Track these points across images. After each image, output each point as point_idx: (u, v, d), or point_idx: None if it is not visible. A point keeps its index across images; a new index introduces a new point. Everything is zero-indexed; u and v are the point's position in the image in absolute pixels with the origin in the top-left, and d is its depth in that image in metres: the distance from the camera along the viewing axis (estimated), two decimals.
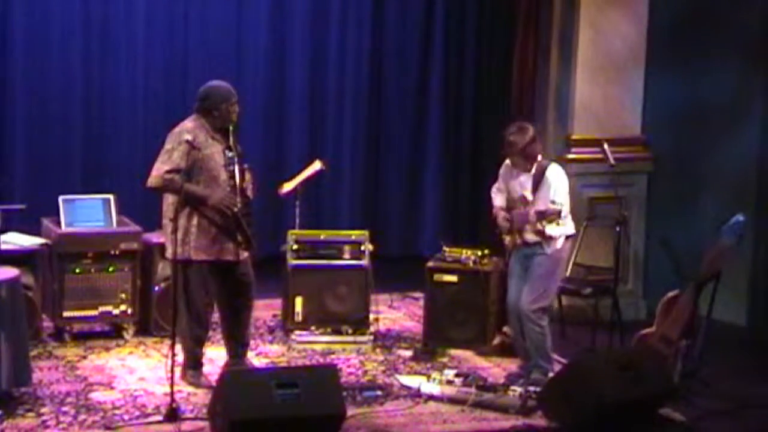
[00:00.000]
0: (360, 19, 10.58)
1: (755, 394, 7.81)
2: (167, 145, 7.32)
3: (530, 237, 7.54)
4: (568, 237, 7.63)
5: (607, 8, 9.36)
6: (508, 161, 7.71)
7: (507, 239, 7.68)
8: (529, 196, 7.52)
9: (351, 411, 6.95)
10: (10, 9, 9.49)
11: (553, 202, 7.42)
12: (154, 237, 8.37)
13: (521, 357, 7.83)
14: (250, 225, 7.40)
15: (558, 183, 7.51)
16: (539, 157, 7.59)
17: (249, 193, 7.48)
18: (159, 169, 7.26)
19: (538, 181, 7.53)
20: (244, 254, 7.48)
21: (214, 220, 7.31)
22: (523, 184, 7.60)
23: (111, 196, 8.46)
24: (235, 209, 7.28)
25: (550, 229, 7.44)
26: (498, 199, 7.77)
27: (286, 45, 10.40)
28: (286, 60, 10.42)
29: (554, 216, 7.36)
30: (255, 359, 7.93)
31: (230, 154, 7.37)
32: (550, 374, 7.56)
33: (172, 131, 7.38)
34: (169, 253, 7.36)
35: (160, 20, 9.95)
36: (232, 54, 10.19)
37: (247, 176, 7.47)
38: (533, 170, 7.56)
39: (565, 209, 7.50)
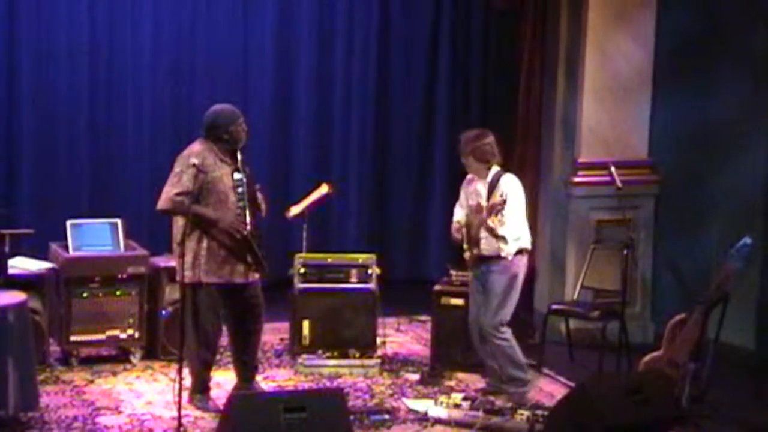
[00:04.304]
0: (366, 42, 10.60)
1: (764, 418, 7.78)
2: (176, 168, 7.34)
3: (485, 247, 7.60)
4: (522, 251, 7.66)
5: (613, 31, 9.36)
6: (469, 175, 7.77)
7: (466, 255, 7.73)
8: (484, 203, 7.54)
9: None
10: (17, 36, 9.53)
11: (500, 195, 7.45)
12: (162, 261, 8.38)
13: (489, 374, 7.91)
14: (261, 247, 7.41)
15: (509, 190, 7.54)
16: (494, 165, 7.63)
17: (261, 211, 7.51)
18: (168, 192, 7.28)
19: (492, 188, 7.60)
20: (254, 276, 7.48)
21: (224, 242, 7.32)
22: (479, 192, 7.68)
23: (118, 220, 8.47)
24: (245, 232, 7.29)
25: (502, 229, 7.48)
26: (457, 214, 7.86)
27: (292, 68, 10.43)
28: (292, 82, 10.45)
29: (500, 206, 7.38)
30: (262, 383, 7.92)
31: (238, 176, 7.38)
32: (528, 384, 7.72)
33: (181, 154, 7.39)
34: (178, 276, 7.36)
35: (166, 43, 10.00)
36: (239, 77, 10.22)
37: (259, 197, 7.49)
38: (489, 178, 7.63)
39: (515, 219, 7.55)
